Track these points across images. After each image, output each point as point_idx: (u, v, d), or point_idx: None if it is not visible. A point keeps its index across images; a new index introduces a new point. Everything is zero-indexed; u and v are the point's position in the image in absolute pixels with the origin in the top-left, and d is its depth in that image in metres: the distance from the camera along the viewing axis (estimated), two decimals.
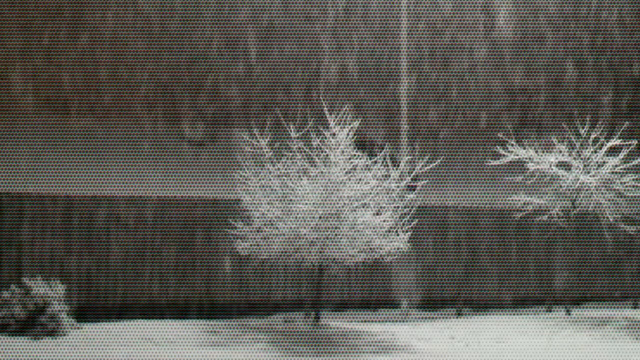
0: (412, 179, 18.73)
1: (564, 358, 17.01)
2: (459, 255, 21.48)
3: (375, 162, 18.31)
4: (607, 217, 20.28)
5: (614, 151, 20.43)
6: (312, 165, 17.98)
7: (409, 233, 18.40)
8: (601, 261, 22.69)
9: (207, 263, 19.43)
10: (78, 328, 16.96)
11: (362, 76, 24.94)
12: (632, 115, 26.41)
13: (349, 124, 18.09)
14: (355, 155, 18.19)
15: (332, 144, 17.95)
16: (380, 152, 18.48)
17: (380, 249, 18.24)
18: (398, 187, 18.31)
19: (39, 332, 16.47)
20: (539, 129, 25.44)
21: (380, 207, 18.25)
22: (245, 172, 18.11)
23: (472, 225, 21.59)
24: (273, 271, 19.79)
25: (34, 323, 16.57)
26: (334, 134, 18.01)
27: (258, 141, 18.09)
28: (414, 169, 18.68)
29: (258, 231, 18.07)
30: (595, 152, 20.36)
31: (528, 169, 20.28)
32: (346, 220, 17.91)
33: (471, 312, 21.43)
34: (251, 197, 18.08)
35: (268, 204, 17.96)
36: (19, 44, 22.27)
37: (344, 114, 18.07)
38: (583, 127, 20.34)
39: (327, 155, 17.94)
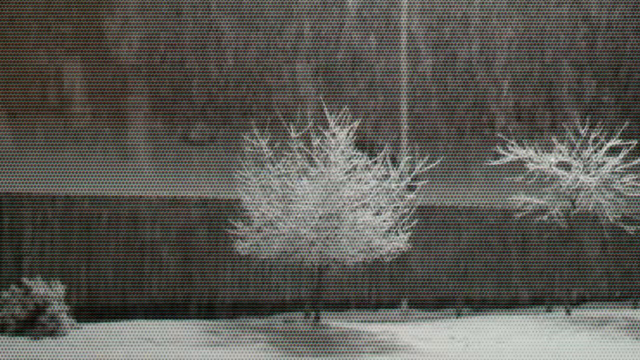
0: (412, 179, 18.73)
1: (564, 358, 17.01)
2: (459, 255, 21.49)
3: (375, 162, 18.31)
4: (607, 217, 20.29)
5: (614, 151, 20.43)
6: (312, 165, 17.98)
7: (409, 233, 18.40)
8: (601, 261, 22.70)
9: (207, 263, 19.43)
10: (78, 328, 16.96)
11: (362, 76, 24.93)
12: (632, 115, 26.41)
13: (349, 124, 18.09)
14: (355, 155, 18.19)
15: (332, 144, 17.95)
16: (380, 152, 18.48)
17: (380, 249, 18.24)
18: (398, 187, 18.31)
19: (39, 332, 16.46)
20: (539, 129, 25.45)
21: (380, 207, 18.25)
22: (245, 172, 18.11)
23: (472, 225, 21.59)
24: (273, 271, 19.79)
25: (34, 323, 16.57)
26: (334, 134, 18.00)
27: (258, 141, 18.09)
28: (414, 169, 18.68)
29: (258, 231, 18.07)
30: (595, 152, 20.36)
31: (528, 169, 20.28)
32: (346, 221, 17.91)
33: (471, 312, 21.43)
34: (251, 197, 18.08)
35: (268, 204, 17.96)
36: (19, 43, 22.27)
37: (344, 114, 18.07)
38: (583, 127, 20.34)
39: (327, 155, 17.94)
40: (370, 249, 18.22)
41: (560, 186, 20.38)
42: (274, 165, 18.05)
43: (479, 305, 21.64)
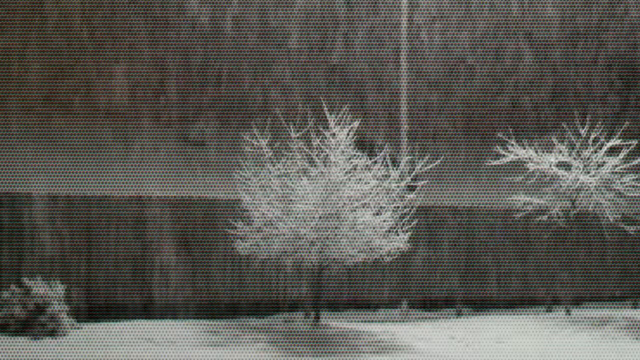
0: (412, 179, 18.73)
1: (564, 358, 17.01)
2: (458, 255, 21.49)
3: (375, 162, 18.32)
4: (607, 217, 20.29)
5: (614, 151, 20.44)
6: (312, 165, 17.98)
7: (409, 233, 18.41)
8: (601, 261, 22.70)
9: (207, 263, 19.43)
10: (78, 328, 16.96)
11: (362, 76, 24.93)
12: (632, 115, 26.41)
13: (349, 124, 18.10)
14: (355, 155, 18.20)
15: (332, 144, 17.96)
16: (380, 152, 18.48)
17: (380, 249, 18.25)
18: (398, 187, 18.32)
19: (39, 332, 16.46)
20: (539, 129, 25.45)
21: (380, 207, 18.26)
22: (245, 172, 18.12)
23: (471, 225, 21.59)
24: (273, 271, 19.79)
25: (34, 323, 16.57)
26: (334, 134, 18.02)
27: (258, 141, 18.10)
28: (414, 169, 18.69)
29: (258, 231, 18.08)
30: (595, 152, 20.37)
31: (528, 169, 20.30)
32: (346, 221, 17.92)
33: (471, 312, 21.44)
34: (251, 197, 18.10)
35: (268, 204, 17.97)
36: (17, 42, 22.27)
37: (344, 114, 18.07)
38: (583, 127, 20.35)
39: (327, 155, 17.95)
40: (370, 249, 18.23)
41: (560, 186, 20.39)
42: (274, 165, 18.06)
43: (479, 305, 21.64)
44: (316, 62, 24.67)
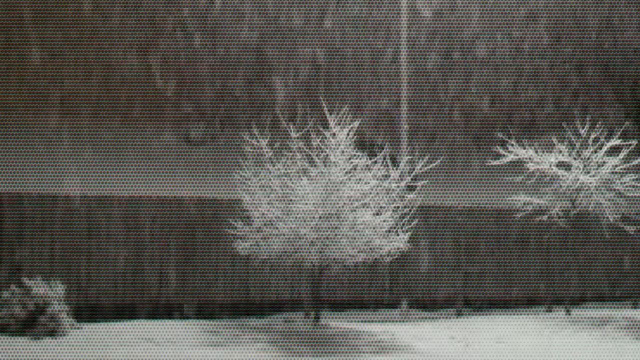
0: (412, 179, 18.73)
1: (564, 358, 17.02)
2: (458, 255, 21.49)
3: (375, 162, 18.33)
4: (607, 217, 20.30)
5: (614, 151, 20.45)
6: (312, 165, 17.99)
7: (409, 233, 18.41)
8: (601, 261, 22.70)
9: (207, 263, 19.43)
10: (78, 328, 16.96)
11: (362, 76, 24.92)
12: (632, 115, 26.41)
13: (349, 124, 18.11)
14: (355, 155, 18.20)
15: (332, 144, 17.96)
16: (380, 152, 18.48)
17: (380, 249, 18.25)
18: (398, 187, 18.32)
19: (39, 332, 16.46)
20: (539, 129, 25.46)
21: (380, 207, 18.26)
22: (245, 172, 18.12)
23: (472, 225, 21.59)
24: (273, 271, 19.79)
25: (34, 323, 16.57)
26: (334, 134, 18.02)
27: (258, 141, 18.10)
28: (414, 169, 18.69)
29: (258, 231, 18.08)
30: (595, 152, 20.38)
31: (528, 169, 20.30)
32: (346, 220, 17.92)
33: (471, 312, 21.44)
34: (251, 197, 18.10)
35: (268, 204, 17.97)
36: (19, 43, 22.27)
37: (344, 114, 18.08)
38: (583, 127, 20.36)
39: (327, 155, 17.95)
40: (370, 249, 18.23)
41: (560, 186, 20.39)
42: (274, 165, 18.06)
43: (479, 305, 21.64)
44: (317, 62, 24.68)
